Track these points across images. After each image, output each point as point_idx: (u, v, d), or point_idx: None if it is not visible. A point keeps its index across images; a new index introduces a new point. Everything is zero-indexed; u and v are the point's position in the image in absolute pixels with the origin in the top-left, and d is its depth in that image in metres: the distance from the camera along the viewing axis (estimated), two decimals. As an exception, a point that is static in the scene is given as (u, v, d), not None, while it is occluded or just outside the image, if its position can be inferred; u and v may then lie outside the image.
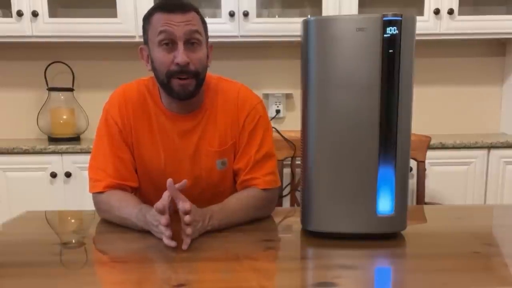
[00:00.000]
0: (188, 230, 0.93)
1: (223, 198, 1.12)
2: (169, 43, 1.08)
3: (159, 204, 0.92)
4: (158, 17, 1.08)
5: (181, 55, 1.07)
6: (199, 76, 1.12)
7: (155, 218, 0.96)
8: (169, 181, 0.95)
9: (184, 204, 0.93)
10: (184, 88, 1.10)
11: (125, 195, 1.13)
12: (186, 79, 1.09)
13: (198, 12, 1.13)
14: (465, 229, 1.10)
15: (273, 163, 1.21)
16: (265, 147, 1.20)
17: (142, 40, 1.22)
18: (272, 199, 1.20)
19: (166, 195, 0.96)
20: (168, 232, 0.92)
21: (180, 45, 1.07)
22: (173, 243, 0.92)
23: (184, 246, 0.92)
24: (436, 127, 2.44)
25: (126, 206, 1.06)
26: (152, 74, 1.21)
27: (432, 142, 1.77)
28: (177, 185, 0.98)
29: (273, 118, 2.44)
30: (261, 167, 1.18)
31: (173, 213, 0.98)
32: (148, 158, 1.18)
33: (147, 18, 1.12)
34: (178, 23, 1.07)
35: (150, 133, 1.18)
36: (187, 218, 0.92)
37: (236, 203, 1.10)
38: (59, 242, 1.03)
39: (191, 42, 1.09)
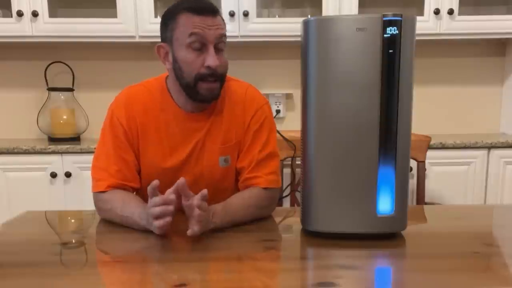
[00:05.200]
0: (196, 227, 0.94)
1: (225, 196, 1.13)
2: (200, 46, 1.08)
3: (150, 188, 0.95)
4: (188, 18, 1.07)
5: (213, 59, 1.08)
6: (223, 79, 1.14)
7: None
8: (182, 180, 0.96)
9: (198, 200, 0.95)
10: (211, 91, 1.12)
11: (128, 194, 1.13)
12: (213, 83, 1.11)
13: (221, 15, 1.14)
14: (465, 229, 1.10)
15: (276, 163, 1.21)
16: (269, 147, 1.20)
17: (142, 40, 1.24)
18: (274, 199, 1.20)
19: (170, 191, 0.97)
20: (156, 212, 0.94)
21: (211, 49, 1.08)
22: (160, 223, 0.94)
23: (189, 232, 0.94)
24: (436, 127, 2.44)
25: (129, 205, 1.06)
26: (155, 74, 1.22)
27: (432, 142, 1.77)
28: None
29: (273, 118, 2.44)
30: (264, 166, 1.18)
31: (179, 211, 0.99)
32: (154, 158, 1.18)
33: (172, 16, 1.10)
34: (209, 27, 1.07)
35: (157, 133, 1.18)
36: (199, 213, 0.94)
37: (238, 202, 1.11)
38: (59, 242, 1.03)
39: (218, 46, 1.10)
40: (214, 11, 1.09)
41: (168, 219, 0.94)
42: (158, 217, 0.95)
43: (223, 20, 1.13)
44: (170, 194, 0.95)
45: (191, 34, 1.07)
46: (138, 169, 1.20)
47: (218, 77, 1.11)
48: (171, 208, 0.94)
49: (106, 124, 1.18)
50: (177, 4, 1.10)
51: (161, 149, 1.18)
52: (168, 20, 1.11)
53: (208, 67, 1.08)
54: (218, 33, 1.08)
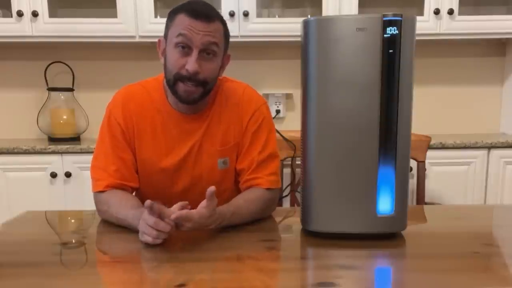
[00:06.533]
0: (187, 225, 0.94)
1: (224, 197, 1.12)
2: (185, 48, 1.08)
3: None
4: (181, 19, 1.07)
5: (192, 64, 1.07)
6: (207, 85, 1.12)
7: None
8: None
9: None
10: (188, 95, 1.11)
11: (125, 195, 1.13)
12: (192, 87, 1.10)
13: (223, 23, 1.12)
14: (465, 229, 1.10)
15: (276, 164, 1.21)
16: (269, 148, 1.20)
17: (142, 40, 1.23)
18: (275, 199, 1.20)
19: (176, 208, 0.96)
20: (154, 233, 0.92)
21: (195, 53, 1.07)
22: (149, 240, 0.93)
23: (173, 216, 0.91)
24: (436, 127, 2.44)
25: (125, 207, 1.06)
26: (155, 74, 1.22)
27: (432, 142, 1.77)
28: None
29: (273, 118, 2.43)
30: (265, 167, 1.18)
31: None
32: (150, 157, 1.18)
33: (172, 15, 1.11)
34: (198, 31, 1.06)
35: (153, 132, 1.18)
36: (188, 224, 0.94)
37: (245, 206, 1.10)
38: (59, 242, 1.03)
39: (206, 52, 1.09)
40: (208, 17, 1.07)
41: (158, 241, 0.92)
42: (149, 235, 0.93)
43: (224, 28, 1.12)
44: (168, 223, 0.92)
45: (179, 34, 1.07)
46: (137, 169, 1.20)
47: (199, 82, 1.10)
48: (163, 236, 0.92)
49: (104, 124, 1.19)
50: (182, 4, 1.11)
51: (157, 148, 1.18)
52: (169, 17, 1.12)
53: (187, 70, 1.08)
54: (205, 40, 1.07)
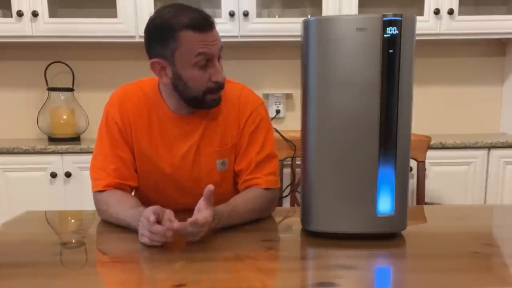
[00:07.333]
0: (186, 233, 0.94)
1: (224, 199, 1.12)
2: (206, 62, 1.08)
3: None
4: (191, 37, 1.04)
5: (220, 74, 1.10)
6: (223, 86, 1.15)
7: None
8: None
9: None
10: (217, 101, 1.14)
11: (124, 195, 1.13)
12: (219, 93, 1.13)
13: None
14: (465, 229, 1.10)
15: (274, 164, 1.21)
16: (267, 149, 1.20)
17: (142, 40, 1.20)
18: (274, 200, 1.20)
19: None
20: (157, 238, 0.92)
21: (217, 63, 1.09)
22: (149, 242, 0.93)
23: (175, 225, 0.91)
24: (436, 127, 2.44)
25: (123, 208, 1.06)
26: (154, 74, 1.21)
27: (432, 142, 1.77)
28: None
29: (273, 118, 2.43)
30: (263, 168, 1.18)
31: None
32: (148, 157, 1.18)
33: (171, 34, 1.05)
34: (213, 42, 1.07)
35: (150, 132, 1.18)
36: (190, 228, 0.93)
37: (242, 204, 1.10)
38: (59, 242, 1.04)
39: (218, 57, 1.11)
40: (212, 24, 1.07)
41: (155, 243, 0.93)
42: (149, 238, 0.93)
43: None
44: (169, 230, 0.92)
45: (199, 54, 1.06)
46: (136, 167, 1.20)
47: (223, 86, 1.13)
48: (164, 240, 0.93)
49: (102, 124, 1.19)
50: (169, 18, 1.05)
51: (155, 148, 1.18)
52: (166, 38, 1.06)
53: (216, 82, 1.10)
54: (220, 46, 1.09)
